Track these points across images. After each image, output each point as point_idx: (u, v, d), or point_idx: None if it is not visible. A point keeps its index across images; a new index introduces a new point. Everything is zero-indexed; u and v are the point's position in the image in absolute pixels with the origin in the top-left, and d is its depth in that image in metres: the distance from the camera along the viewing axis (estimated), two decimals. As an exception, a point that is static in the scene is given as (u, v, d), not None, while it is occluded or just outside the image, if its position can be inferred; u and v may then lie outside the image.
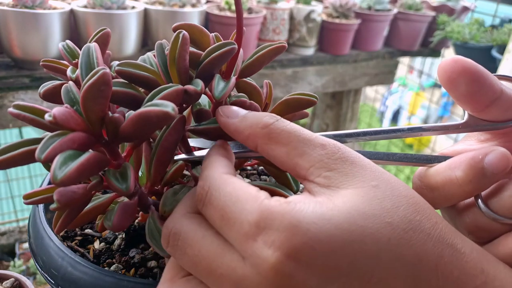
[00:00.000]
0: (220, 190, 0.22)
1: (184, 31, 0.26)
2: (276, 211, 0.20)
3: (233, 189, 0.22)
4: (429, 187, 0.27)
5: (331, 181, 0.22)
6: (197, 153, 0.30)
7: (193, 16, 1.16)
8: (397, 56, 1.63)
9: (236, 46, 0.26)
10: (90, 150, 0.23)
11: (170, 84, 0.26)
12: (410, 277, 0.20)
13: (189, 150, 0.31)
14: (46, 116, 0.22)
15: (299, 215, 0.20)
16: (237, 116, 0.25)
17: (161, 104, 0.22)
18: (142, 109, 0.22)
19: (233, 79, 0.27)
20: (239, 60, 0.30)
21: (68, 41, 0.33)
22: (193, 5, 1.20)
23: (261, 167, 0.46)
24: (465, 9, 1.67)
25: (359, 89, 1.71)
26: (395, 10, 1.53)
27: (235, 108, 0.26)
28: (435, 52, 1.69)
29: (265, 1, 1.32)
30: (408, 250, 0.20)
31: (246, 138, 0.25)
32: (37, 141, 0.23)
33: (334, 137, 0.28)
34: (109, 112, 0.24)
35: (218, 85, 0.27)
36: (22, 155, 0.23)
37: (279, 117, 0.24)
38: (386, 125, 3.33)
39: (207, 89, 0.28)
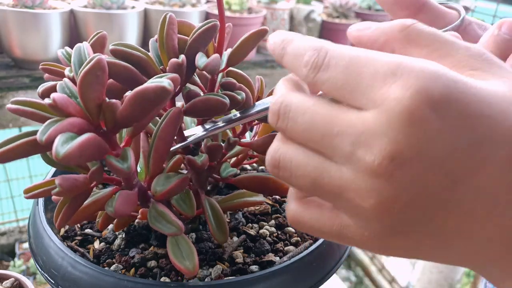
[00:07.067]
0: (343, 50, 0.21)
1: (169, 13, 0.29)
2: (416, 63, 0.19)
3: (357, 49, 0.21)
4: None
5: (475, 78, 0.21)
6: (187, 132, 0.32)
7: (193, 16, 1.16)
8: (397, 56, 1.62)
9: (218, 22, 0.29)
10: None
11: (167, 73, 0.26)
12: None
13: (184, 140, 0.32)
14: (46, 100, 0.22)
15: (442, 70, 0.19)
16: (370, 27, 0.25)
17: (156, 81, 0.23)
18: (138, 88, 0.23)
19: (216, 54, 0.29)
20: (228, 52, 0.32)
21: (66, 47, 0.34)
22: (193, 5, 1.20)
23: (261, 167, 0.46)
24: (465, 9, 1.67)
25: (359, 89, 1.71)
26: (395, 10, 1.53)
27: (366, 22, 0.25)
28: (435, 52, 1.69)
29: (265, 1, 1.32)
30: None
31: (382, 45, 0.24)
32: (35, 133, 0.23)
33: None
34: (106, 98, 0.24)
35: (201, 58, 0.29)
36: (22, 147, 0.23)
37: (416, 20, 0.23)
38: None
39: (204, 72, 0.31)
